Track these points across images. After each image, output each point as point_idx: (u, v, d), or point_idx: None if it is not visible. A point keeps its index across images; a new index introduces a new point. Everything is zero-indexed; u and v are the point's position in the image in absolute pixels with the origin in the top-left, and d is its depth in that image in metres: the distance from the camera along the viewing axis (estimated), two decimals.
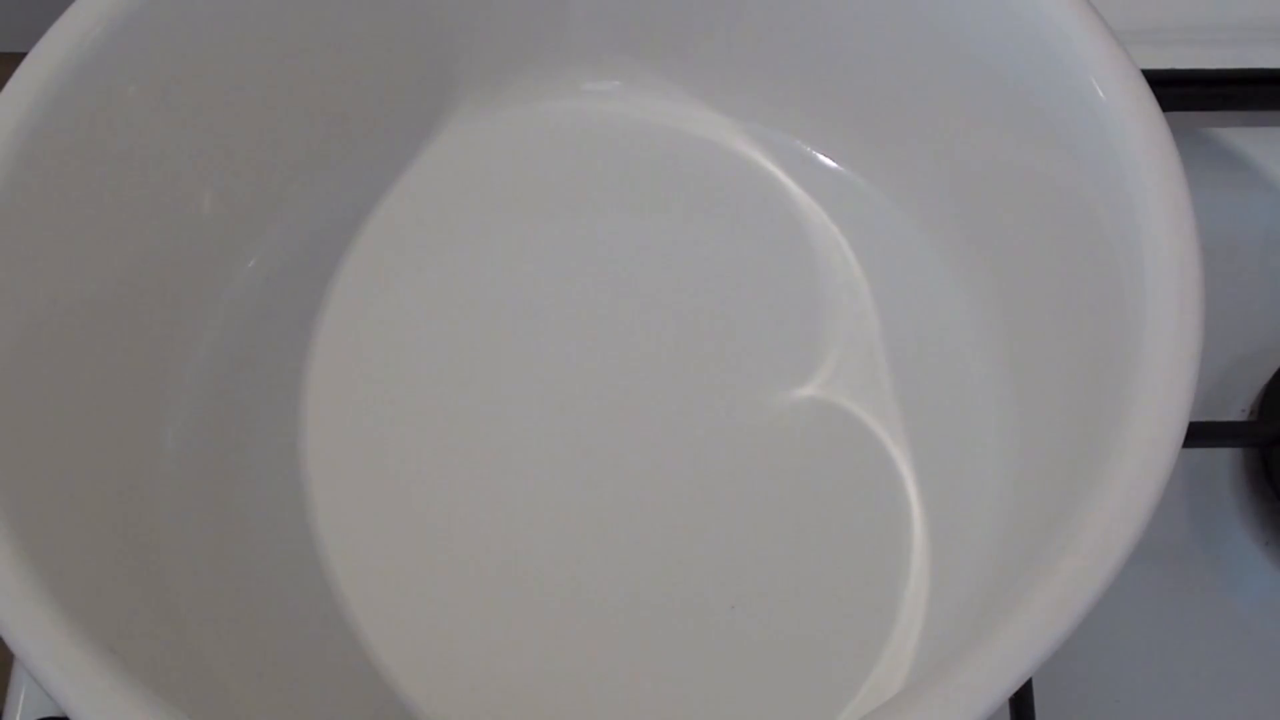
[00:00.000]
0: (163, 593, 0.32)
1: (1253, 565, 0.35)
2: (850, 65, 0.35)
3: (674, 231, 0.37)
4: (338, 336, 0.36)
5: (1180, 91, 0.39)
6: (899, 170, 0.36)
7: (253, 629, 0.32)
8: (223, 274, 0.36)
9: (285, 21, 0.34)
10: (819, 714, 0.31)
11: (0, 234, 0.29)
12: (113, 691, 0.24)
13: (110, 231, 0.32)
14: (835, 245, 0.36)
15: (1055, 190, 0.30)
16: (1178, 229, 0.26)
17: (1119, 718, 0.34)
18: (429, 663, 0.32)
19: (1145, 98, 0.28)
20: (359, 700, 0.32)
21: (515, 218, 0.37)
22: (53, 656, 0.24)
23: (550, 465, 0.34)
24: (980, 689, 0.23)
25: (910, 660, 0.31)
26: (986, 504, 0.32)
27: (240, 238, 0.36)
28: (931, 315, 0.35)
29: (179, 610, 0.32)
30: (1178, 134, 0.28)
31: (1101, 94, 0.28)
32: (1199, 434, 0.33)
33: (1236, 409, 0.37)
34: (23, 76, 0.30)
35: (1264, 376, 0.36)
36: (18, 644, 0.24)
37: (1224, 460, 0.36)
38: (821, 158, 0.37)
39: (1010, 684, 0.23)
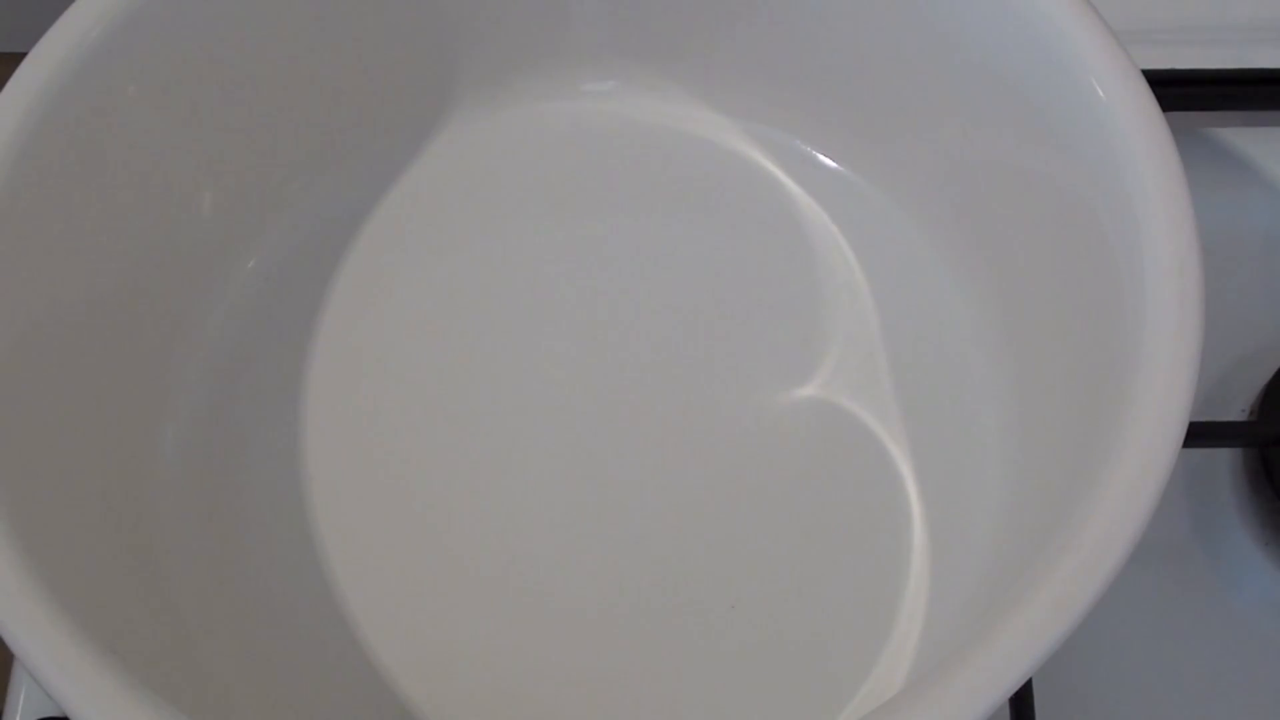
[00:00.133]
0: (162, 593, 0.32)
1: (1253, 565, 0.35)
2: (850, 65, 0.35)
3: (674, 231, 0.37)
4: (338, 336, 0.36)
5: (1180, 91, 0.39)
6: (899, 170, 0.36)
7: (253, 629, 0.32)
8: (223, 274, 0.36)
9: (285, 22, 0.34)
10: (819, 714, 0.31)
11: (0, 234, 0.29)
12: (112, 691, 0.24)
13: (110, 231, 0.32)
14: (835, 245, 0.36)
15: (1055, 190, 0.30)
16: (1178, 229, 0.26)
17: (1119, 718, 0.34)
18: (429, 662, 0.32)
19: (1145, 98, 0.28)
20: (359, 701, 0.32)
21: (515, 218, 0.37)
22: (53, 656, 0.24)
23: (550, 465, 0.34)
24: (980, 689, 0.23)
25: (910, 660, 0.31)
26: (986, 504, 0.32)
27: (240, 238, 0.36)
28: (931, 315, 0.35)
29: (179, 610, 0.32)
30: (1178, 134, 0.28)
31: (1101, 94, 0.28)
32: (1199, 434, 0.33)
33: (1236, 409, 0.37)
34: (23, 76, 0.30)
35: (1264, 376, 0.36)
36: (18, 644, 0.24)
37: (1224, 460, 0.36)
38: (821, 158, 0.37)
39: (1010, 684, 0.23)
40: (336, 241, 0.37)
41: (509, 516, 0.34)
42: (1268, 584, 0.35)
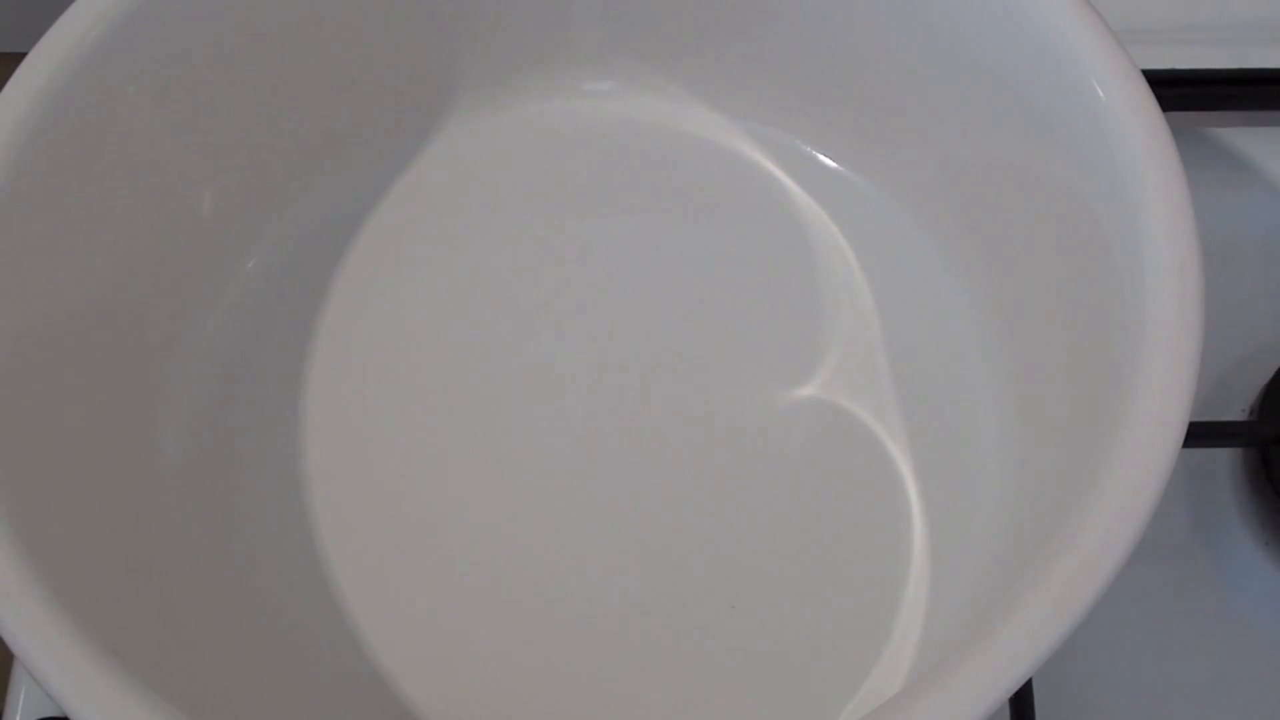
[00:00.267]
0: (163, 593, 0.32)
1: (1253, 565, 0.35)
2: (851, 65, 0.35)
3: (674, 231, 0.37)
4: (338, 336, 0.36)
5: (1180, 91, 0.39)
6: (899, 170, 0.36)
7: (253, 630, 0.32)
8: (223, 274, 0.36)
9: (285, 22, 0.34)
10: (819, 713, 0.31)
11: (0, 234, 0.29)
12: (113, 692, 0.24)
13: (109, 231, 0.32)
14: (835, 245, 0.36)
15: (1055, 190, 0.30)
16: (1178, 229, 0.26)
17: (1119, 718, 0.34)
18: (428, 662, 0.32)
19: (1145, 98, 0.28)
20: (359, 701, 0.32)
21: (515, 218, 0.37)
22: (53, 657, 0.24)
23: (550, 465, 0.34)
24: (980, 689, 0.23)
25: (910, 660, 0.31)
26: (986, 504, 0.32)
27: (240, 238, 0.36)
28: (931, 315, 0.35)
29: (179, 611, 0.32)
30: (1178, 134, 0.28)
31: (1101, 94, 0.28)
32: (1199, 434, 0.33)
33: (1236, 409, 0.37)
34: (23, 76, 0.30)
35: (1264, 376, 0.36)
36: (18, 644, 0.24)
37: (1224, 460, 0.36)
38: (821, 158, 0.37)
39: (1010, 684, 0.23)
40: (336, 241, 0.37)
41: (509, 516, 0.34)
42: (1268, 584, 0.35)
